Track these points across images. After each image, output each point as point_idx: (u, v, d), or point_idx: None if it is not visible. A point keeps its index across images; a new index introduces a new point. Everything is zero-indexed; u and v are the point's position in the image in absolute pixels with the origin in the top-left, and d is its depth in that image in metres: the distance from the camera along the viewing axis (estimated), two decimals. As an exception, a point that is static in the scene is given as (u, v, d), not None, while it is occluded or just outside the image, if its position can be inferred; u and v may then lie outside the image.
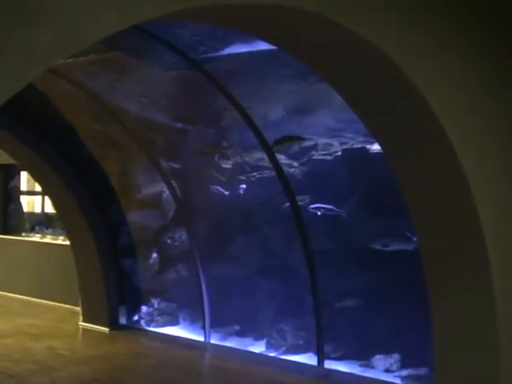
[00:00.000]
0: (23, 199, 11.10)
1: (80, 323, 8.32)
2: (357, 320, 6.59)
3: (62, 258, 9.35)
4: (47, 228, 10.58)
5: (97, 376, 6.35)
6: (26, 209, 11.17)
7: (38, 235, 10.68)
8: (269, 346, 7.29)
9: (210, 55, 5.97)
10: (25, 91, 7.09)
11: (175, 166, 7.43)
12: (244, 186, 7.21)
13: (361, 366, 6.60)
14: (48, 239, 10.36)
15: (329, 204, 6.58)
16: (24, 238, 10.64)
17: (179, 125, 7.17)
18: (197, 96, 6.84)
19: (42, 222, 10.76)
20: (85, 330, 8.12)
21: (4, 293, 10.47)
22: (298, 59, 4.18)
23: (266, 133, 6.65)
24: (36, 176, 8.49)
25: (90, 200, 7.96)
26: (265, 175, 7.06)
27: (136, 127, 7.22)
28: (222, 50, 5.90)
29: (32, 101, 7.30)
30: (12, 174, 10.90)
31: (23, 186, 11.05)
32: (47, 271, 9.83)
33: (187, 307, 7.96)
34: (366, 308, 6.54)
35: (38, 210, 10.98)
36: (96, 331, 8.05)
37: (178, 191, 7.51)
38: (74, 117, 7.46)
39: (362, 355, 6.59)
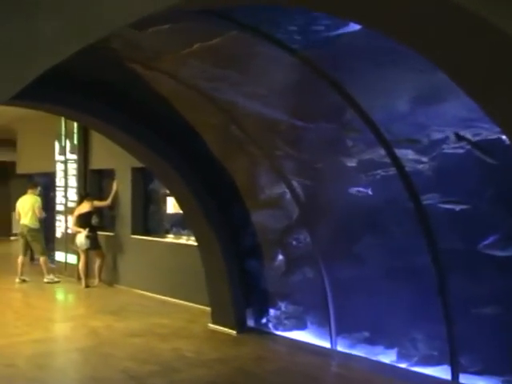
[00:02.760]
0: (169, 201, 11.31)
1: (209, 325, 8.30)
2: (498, 329, 5.92)
3: (196, 258, 9.43)
4: (183, 229, 10.75)
5: (216, 380, 6.25)
6: (169, 210, 11.42)
7: (175, 236, 10.88)
8: (400, 356, 6.78)
9: (319, 48, 5.60)
10: (145, 95, 7.16)
11: (296, 165, 7.14)
12: (369, 184, 6.76)
13: (503, 382, 5.92)
14: (183, 240, 10.51)
15: (460, 201, 5.95)
16: (161, 238, 10.88)
17: (299, 122, 6.86)
18: (316, 91, 6.49)
19: (178, 223, 10.95)
20: (212, 332, 8.07)
21: (144, 292, 10.80)
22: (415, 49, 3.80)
23: (391, 127, 6.17)
24: (160, 177, 8.60)
25: (213, 201, 7.91)
26: (390, 173, 6.55)
27: (254, 126, 7.03)
28: (333, 43, 5.50)
29: (152, 103, 7.40)
30: (151, 176, 11.20)
31: (164, 188, 11.28)
32: (182, 271, 9.95)
33: (314, 311, 7.64)
34: (509, 316, 5.85)
35: (175, 211, 11.19)
36: (223, 333, 7.98)
37: (300, 191, 7.22)
38: (194, 117, 7.43)
39: (506, 370, 5.91)
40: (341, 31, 5.43)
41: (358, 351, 7.06)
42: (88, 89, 7.18)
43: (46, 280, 12.04)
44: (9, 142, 16.74)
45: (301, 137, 6.93)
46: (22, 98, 7.00)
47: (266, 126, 7.04)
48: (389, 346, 6.89)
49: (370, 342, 7.05)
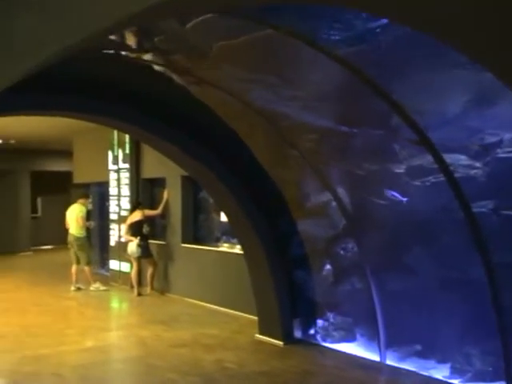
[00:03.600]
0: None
1: (256, 335, 8.14)
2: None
3: (246, 267, 9.30)
4: (233, 237, 10.64)
5: (258, 394, 6.08)
6: (219, 218, 11.35)
7: (225, 245, 10.80)
8: (453, 371, 6.45)
9: (363, 53, 5.38)
10: (189, 104, 7.08)
11: (340, 173, 6.92)
12: (418, 191, 6.48)
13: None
14: (233, 249, 10.40)
15: (515, 209, 5.62)
16: (211, 247, 10.81)
17: (344, 128, 6.65)
18: (361, 96, 6.27)
19: (228, 232, 10.85)
20: (259, 343, 7.91)
21: (194, 301, 10.75)
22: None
23: (441, 132, 5.89)
24: (206, 187, 8.52)
25: (258, 210, 7.77)
26: (441, 179, 6.26)
27: (297, 133, 6.86)
28: (378, 46, 5.28)
29: (195, 112, 7.33)
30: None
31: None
32: (232, 280, 9.85)
33: (363, 323, 7.38)
34: None
35: (225, 219, 11.10)
36: (270, 344, 7.81)
37: (345, 200, 6.99)
38: (238, 125, 7.31)
39: None
40: (386, 34, 5.23)
41: (409, 365, 6.77)
42: (132, 100, 7.19)
43: (92, 288, 12.16)
44: (66, 153, 17.08)
45: (346, 143, 6.71)
46: (79, 110, 7.17)
47: (309, 133, 6.85)
48: (441, 360, 6.58)
49: (422, 355, 6.76)
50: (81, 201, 12.50)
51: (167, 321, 9.32)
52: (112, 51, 6.25)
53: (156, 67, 6.70)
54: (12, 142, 17.90)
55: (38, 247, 21.12)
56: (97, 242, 15.25)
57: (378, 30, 5.07)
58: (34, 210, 21.96)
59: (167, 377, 6.53)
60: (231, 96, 6.75)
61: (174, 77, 6.88)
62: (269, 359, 7.18)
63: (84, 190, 13.42)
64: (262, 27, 5.25)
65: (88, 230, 12.83)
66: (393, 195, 6.67)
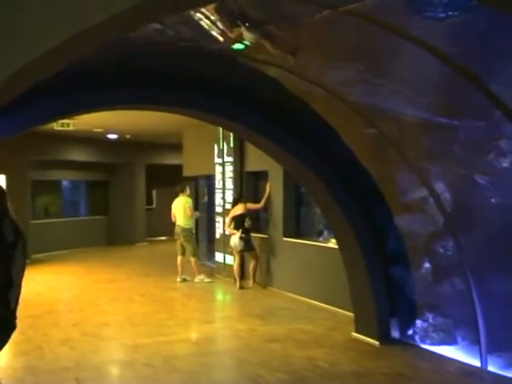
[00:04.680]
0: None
1: (352, 333, 7.92)
2: None
3: (345, 263, 9.10)
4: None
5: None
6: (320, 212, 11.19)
7: (326, 239, 10.61)
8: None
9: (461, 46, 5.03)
10: (282, 97, 6.98)
11: (439, 167, 6.54)
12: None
13: None
14: (334, 243, 10.19)
15: None
16: (312, 242, 10.66)
17: (443, 120, 6.26)
18: (460, 88, 5.87)
19: (329, 226, 10.65)
20: (354, 342, 7.69)
21: (294, 295, 10.66)
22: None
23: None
24: (301, 181, 8.38)
25: (354, 204, 7.53)
26: (551, 173, 5.77)
27: (393, 126, 6.55)
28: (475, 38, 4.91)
29: (288, 105, 7.21)
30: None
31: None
32: (333, 276, 9.64)
33: (464, 325, 6.96)
34: None
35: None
36: (365, 343, 7.57)
37: (445, 196, 6.60)
38: (332, 119, 7.11)
39: None
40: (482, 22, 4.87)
41: (513, 373, 6.31)
42: (227, 95, 7.22)
43: (196, 280, 12.38)
44: (178, 147, 17.52)
45: (444, 137, 6.33)
46: (185, 106, 7.36)
47: (405, 126, 6.53)
48: (550, 369, 6.08)
49: (529, 363, 6.27)
50: (182, 193, 12.73)
51: (264, 315, 9.30)
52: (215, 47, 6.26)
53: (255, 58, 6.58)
54: (127, 136, 18.64)
55: (152, 238, 21.91)
56: (204, 234, 15.56)
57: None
58: (149, 202, 22.78)
59: (256, 372, 6.48)
60: (324, 89, 6.57)
61: (271, 67, 6.76)
62: (362, 359, 6.95)
63: (185, 183, 13.59)
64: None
65: (196, 221, 13.03)
66: (495, 191, 6.22)
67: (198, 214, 12.78)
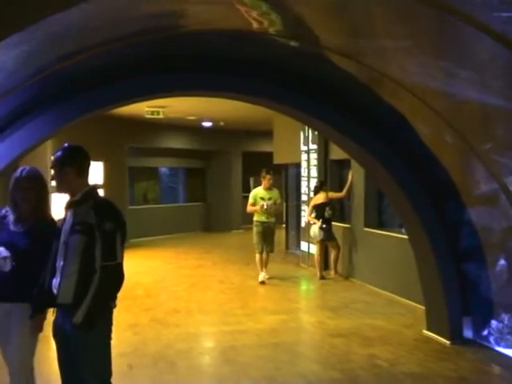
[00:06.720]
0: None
1: (424, 331, 7.49)
2: None
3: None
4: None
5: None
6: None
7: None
8: None
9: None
10: (346, 84, 6.65)
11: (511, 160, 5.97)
12: None
13: None
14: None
15: None
16: (394, 233, 10.20)
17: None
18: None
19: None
20: (424, 340, 7.25)
21: (374, 288, 10.29)
22: None
23: None
24: (369, 171, 7.99)
25: (423, 196, 7.07)
26: None
27: (463, 115, 6.05)
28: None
29: (354, 91, 6.89)
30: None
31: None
32: (414, 269, 9.16)
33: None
34: None
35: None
36: (435, 342, 7.12)
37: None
38: (401, 105, 6.68)
39: None
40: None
41: None
42: (290, 80, 7.03)
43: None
44: (270, 134, 17.41)
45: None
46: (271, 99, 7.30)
47: (476, 115, 6.01)
48: None
49: None
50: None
51: (337, 307, 9.01)
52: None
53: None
54: (221, 123, 18.75)
55: (249, 225, 21.94)
56: (293, 223, 15.38)
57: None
58: (245, 189, 22.87)
59: (309, 368, 6.27)
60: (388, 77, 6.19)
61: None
62: (427, 359, 6.52)
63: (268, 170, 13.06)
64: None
65: (285, 210, 12.48)
66: None
67: (265, 204, 11.74)
